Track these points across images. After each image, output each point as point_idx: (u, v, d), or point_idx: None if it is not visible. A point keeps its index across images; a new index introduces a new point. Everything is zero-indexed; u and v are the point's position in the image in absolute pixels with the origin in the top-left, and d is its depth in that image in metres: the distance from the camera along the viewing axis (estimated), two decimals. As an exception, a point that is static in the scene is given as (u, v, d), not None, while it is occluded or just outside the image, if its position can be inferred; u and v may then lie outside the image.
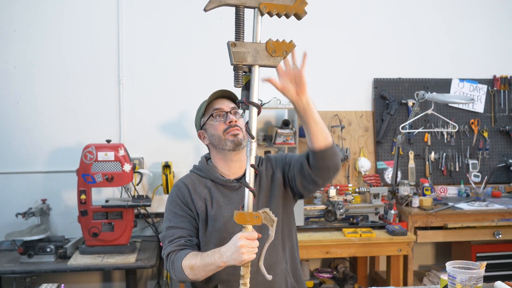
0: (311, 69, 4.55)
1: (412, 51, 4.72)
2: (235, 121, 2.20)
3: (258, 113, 1.84)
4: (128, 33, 4.33)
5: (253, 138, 1.82)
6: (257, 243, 1.86)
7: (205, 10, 1.78)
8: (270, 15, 1.79)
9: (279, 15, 1.80)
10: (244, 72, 1.82)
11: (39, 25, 4.23)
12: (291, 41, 1.81)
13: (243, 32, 1.80)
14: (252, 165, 1.83)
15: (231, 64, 1.79)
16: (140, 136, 4.35)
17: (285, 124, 4.15)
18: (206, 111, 2.29)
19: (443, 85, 4.72)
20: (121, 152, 3.66)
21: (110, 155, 3.63)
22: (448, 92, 4.70)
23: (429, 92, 4.26)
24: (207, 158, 2.36)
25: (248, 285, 1.88)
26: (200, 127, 2.32)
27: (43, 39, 4.24)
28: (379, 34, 4.67)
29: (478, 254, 4.12)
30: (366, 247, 3.67)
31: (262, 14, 1.79)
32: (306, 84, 1.91)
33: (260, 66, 1.81)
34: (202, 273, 2.00)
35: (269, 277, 1.90)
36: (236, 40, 1.79)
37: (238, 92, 2.00)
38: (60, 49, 4.26)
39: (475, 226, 3.98)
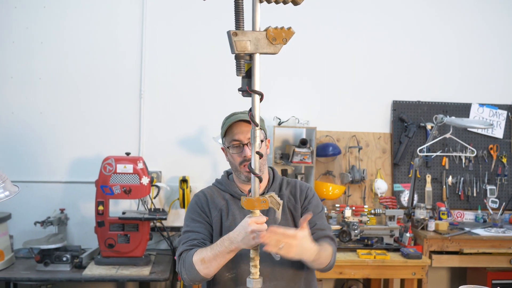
0: (331, 89, 4.60)
1: (432, 74, 4.72)
2: (250, 156, 2.15)
3: (261, 100, 1.86)
4: (151, 48, 4.39)
5: (257, 125, 1.85)
6: (265, 226, 1.90)
7: None
8: (268, 1, 1.77)
9: (277, 2, 1.78)
10: (245, 60, 1.83)
11: (64, 38, 4.32)
12: (290, 27, 1.80)
13: (243, 21, 1.80)
14: (257, 152, 1.86)
15: (232, 53, 1.80)
16: (158, 150, 4.39)
17: (303, 143, 4.16)
18: (227, 134, 2.29)
19: (463, 109, 4.70)
20: (140, 165, 3.69)
21: (129, 168, 3.66)
22: (467, 116, 4.68)
23: (448, 116, 4.27)
24: (229, 173, 2.43)
25: (258, 266, 1.92)
26: (224, 145, 2.34)
27: (68, 52, 4.32)
28: (399, 57, 4.68)
29: (493, 281, 4.06)
30: (380, 269, 3.65)
31: (260, 1, 1.78)
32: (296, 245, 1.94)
33: (261, 54, 1.82)
34: (213, 264, 2.04)
35: (278, 257, 1.96)
36: (236, 29, 1.78)
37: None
38: (84, 61, 4.33)
39: (491, 252, 3.93)
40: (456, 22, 4.74)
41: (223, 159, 4.39)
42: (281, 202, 1.93)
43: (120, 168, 3.65)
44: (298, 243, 1.92)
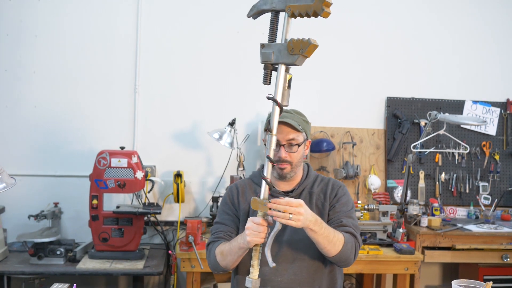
0: (326, 86, 4.61)
1: (426, 71, 4.73)
2: (284, 157, 2.25)
3: (280, 111, 1.96)
4: (147, 43, 4.38)
5: (270, 131, 1.97)
6: (262, 228, 1.97)
7: (248, 16, 2.00)
8: (294, 16, 1.89)
9: (301, 15, 1.88)
10: (272, 70, 1.96)
11: (59, 32, 4.30)
12: (308, 39, 1.87)
13: (275, 34, 1.96)
14: (267, 157, 1.95)
15: (261, 63, 1.98)
16: (153, 144, 4.39)
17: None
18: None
19: (456, 106, 4.72)
20: (134, 159, 3.68)
21: (123, 162, 3.65)
22: (461, 113, 4.69)
23: (441, 113, 4.28)
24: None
25: (257, 267, 1.98)
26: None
27: (62, 45, 4.30)
28: (394, 53, 4.69)
29: (485, 277, 4.09)
30: (373, 264, 3.67)
31: (291, 16, 1.90)
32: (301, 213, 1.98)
33: (282, 64, 1.92)
34: (229, 257, 2.19)
35: (272, 264, 1.99)
36: (268, 42, 1.95)
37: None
38: (78, 55, 4.32)
39: (483, 248, 3.96)
40: (450, 19, 4.75)
41: (217, 154, 4.44)
42: None
43: (114, 162, 3.64)
44: (304, 210, 1.98)
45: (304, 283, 2.24)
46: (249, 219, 2.02)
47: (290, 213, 1.94)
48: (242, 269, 2.30)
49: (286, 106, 1.96)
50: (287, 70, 1.94)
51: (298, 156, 2.29)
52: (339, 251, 2.14)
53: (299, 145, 2.27)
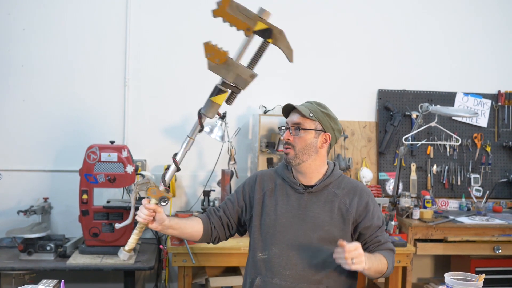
0: (318, 78, 4.59)
1: (417, 63, 4.73)
2: (287, 139, 2.30)
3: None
4: (136, 35, 4.35)
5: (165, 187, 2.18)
6: (144, 210, 2.13)
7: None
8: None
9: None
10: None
11: (47, 24, 4.26)
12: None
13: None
14: (173, 157, 2.14)
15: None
16: (143, 138, 4.37)
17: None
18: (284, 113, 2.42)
19: (448, 98, 4.72)
20: (125, 154, 3.66)
21: (114, 156, 3.62)
22: (452, 105, 4.70)
23: (433, 105, 4.27)
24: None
25: (133, 242, 2.20)
26: None
27: (51, 38, 4.27)
28: (384, 46, 4.68)
29: (477, 269, 4.10)
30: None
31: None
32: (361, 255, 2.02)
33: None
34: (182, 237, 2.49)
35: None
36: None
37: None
38: (67, 48, 4.28)
39: (475, 240, 3.97)
40: (441, 11, 4.75)
41: (208, 148, 4.42)
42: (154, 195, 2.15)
43: (104, 156, 3.61)
44: (362, 252, 2.00)
45: (312, 280, 2.24)
46: (143, 201, 2.15)
47: (352, 258, 1.97)
48: (251, 251, 2.38)
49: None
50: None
51: (302, 142, 2.28)
52: (383, 274, 2.24)
53: (305, 130, 2.28)
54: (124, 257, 2.20)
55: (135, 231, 2.20)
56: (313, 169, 2.33)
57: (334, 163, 2.43)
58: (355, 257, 1.97)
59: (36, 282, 2.09)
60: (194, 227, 2.36)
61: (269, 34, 1.98)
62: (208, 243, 2.46)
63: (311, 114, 2.27)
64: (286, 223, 2.28)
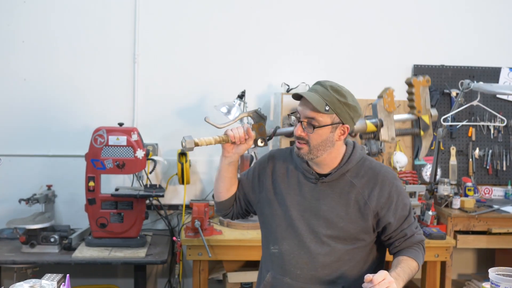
0: (345, 53, 4.51)
1: (457, 36, 4.64)
2: (299, 134, 2.17)
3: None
4: (146, 5, 4.31)
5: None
6: (241, 130, 2.26)
7: None
8: None
9: None
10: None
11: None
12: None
13: None
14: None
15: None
16: (155, 120, 4.34)
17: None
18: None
19: (491, 74, 4.63)
20: (134, 137, 3.64)
21: (122, 140, 3.60)
22: (497, 82, 4.62)
23: (475, 82, 4.20)
24: None
25: (209, 140, 2.28)
26: None
27: (53, 11, 4.25)
28: (421, 16, 4.59)
29: (525, 264, 4.02)
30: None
31: None
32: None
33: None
34: (218, 182, 2.41)
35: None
36: None
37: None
38: (70, 21, 4.26)
39: (523, 232, 3.91)
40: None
41: (225, 130, 4.34)
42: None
43: (112, 140, 3.59)
44: (391, 278, 1.95)
45: (325, 281, 2.19)
46: (246, 126, 2.28)
47: None
48: (265, 242, 2.38)
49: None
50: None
51: (318, 139, 2.14)
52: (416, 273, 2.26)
53: (320, 127, 2.12)
54: (189, 144, 2.26)
55: (213, 137, 2.28)
56: (328, 160, 2.22)
57: (354, 144, 2.29)
58: (388, 286, 1.91)
59: (39, 276, 2.08)
60: (234, 187, 2.44)
61: (426, 128, 2.54)
62: (222, 215, 2.53)
63: (327, 108, 2.10)
64: (297, 216, 2.21)
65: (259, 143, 2.31)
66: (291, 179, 2.29)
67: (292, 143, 4.22)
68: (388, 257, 2.34)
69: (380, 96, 2.81)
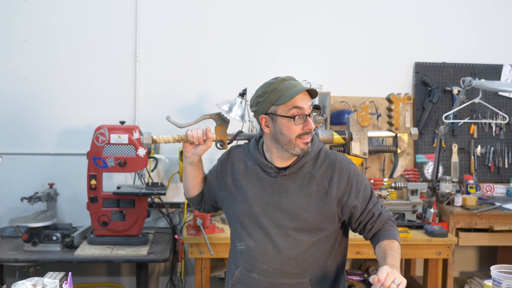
0: (347, 50, 4.51)
1: (458, 33, 4.62)
2: (312, 127, 2.14)
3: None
4: (147, 4, 4.30)
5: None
6: (200, 131, 2.32)
7: None
8: None
9: None
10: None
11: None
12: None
13: None
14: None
15: None
16: (156, 118, 4.31)
17: (316, 108, 4.07)
18: (280, 101, 2.13)
19: (493, 71, 4.62)
20: (136, 135, 3.60)
21: (124, 138, 3.62)
22: (499, 79, 4.60)
23: (476, 79, 4.17)
24: (258, 139, 2.36)
25: (168, 138, 2.40)
26: (266, 112, 2.18)
27: (55, 10, 4.24)
28: (422, 13, 4.57)
29: (527, 261, 4.03)
30: (401, 249, 3.58)
31: None
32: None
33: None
34: (184, 180, 2.50)
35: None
36: None
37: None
38: (72, 20, 4.26)
39: (525, 229, 3.90)
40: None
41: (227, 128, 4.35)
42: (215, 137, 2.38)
43: (114, 138, 3.61)
44: (393, 270, 1.97)
45: (292, 274, 2.19)
46: (206, 127, 2.33)
47: (392, 282, 1.92)
48: (232, 239, 2.40)
49: None
50: None
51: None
52: None
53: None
54: (146, 140, 2.36)
55: (171, 136, 2.36)
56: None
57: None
58: (395, 280, 1.92)
59: (41, 274, 2.08)
60: (200, 185, 2.49)
61: (403, 147, 2.54)
62: (197, 209, 2.59)
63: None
64: (260, 211, 2.20)
65: (218, 145, 2.37)
66: (251, 175, 2.28)
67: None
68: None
69: (354, 110, 2.67)
